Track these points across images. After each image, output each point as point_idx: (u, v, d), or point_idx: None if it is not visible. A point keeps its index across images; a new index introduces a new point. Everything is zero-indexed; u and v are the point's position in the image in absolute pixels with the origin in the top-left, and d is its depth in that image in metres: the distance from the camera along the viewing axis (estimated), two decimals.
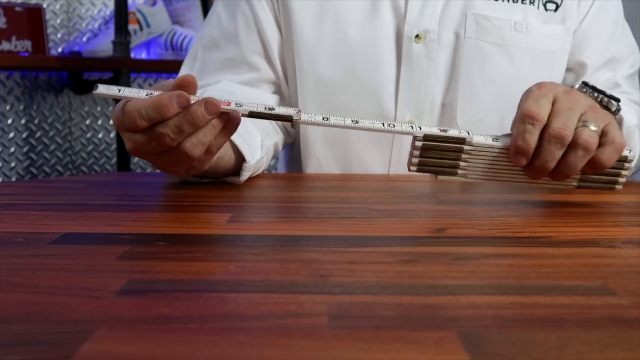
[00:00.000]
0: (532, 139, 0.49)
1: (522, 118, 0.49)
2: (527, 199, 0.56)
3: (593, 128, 0.49)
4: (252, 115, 0.48)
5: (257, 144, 0.65)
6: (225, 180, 0.63)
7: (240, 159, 0.61)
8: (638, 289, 0.31)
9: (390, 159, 0.76)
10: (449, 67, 0.74)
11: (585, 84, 0.57)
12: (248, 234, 0.41)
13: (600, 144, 0.50)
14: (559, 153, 0.49)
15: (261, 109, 0.48)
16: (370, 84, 0.74)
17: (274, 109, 0.48)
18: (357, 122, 0.49)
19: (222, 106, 0.46)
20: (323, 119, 0.49)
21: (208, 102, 0.46)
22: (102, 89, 0.47)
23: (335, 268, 0.33)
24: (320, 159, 0.78)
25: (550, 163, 0.49)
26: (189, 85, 0.47)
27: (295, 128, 0.81)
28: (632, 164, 0.61)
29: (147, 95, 0.47)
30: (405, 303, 0.28)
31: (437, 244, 0.39)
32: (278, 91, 0.79)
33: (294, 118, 0.48)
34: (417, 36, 0.72)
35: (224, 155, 0.58)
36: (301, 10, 0.74)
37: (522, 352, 0.23)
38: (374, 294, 0.29)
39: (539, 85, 0.51)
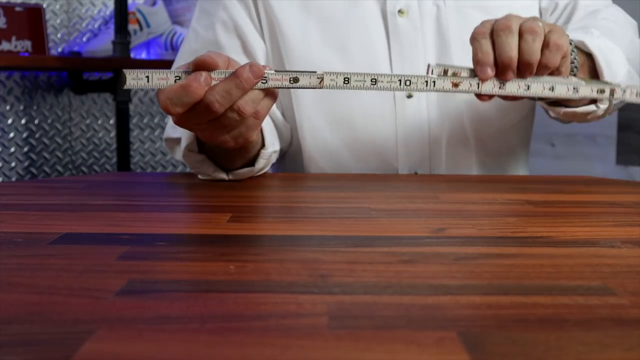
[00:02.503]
0: (486, 44, 0.54)
1: (470, 40, 0.56)
2: (527, 198, 0.56)
3: (535, 21, 0.55)
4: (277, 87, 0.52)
5: (275, 134, 0.70)
6: (237, 176, 0.64)
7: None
8: (638, 289, 0.31)
9: (396, 127, 0.77)
10: (437, 35, 0.77)
11: None
12: (248, 234, 0.41)
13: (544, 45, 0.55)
14: (512, 40, 0.53)
15: (286, 84, 0.51)
16: (364, 61, 0.75)
17: (298, 80, 0.52)
18: (375, 82, 0.52)
19: (265, 70, 0.50)
20: (344, 80, 0.52)
21: (253, 65, 0.49)
22: (131, 81, 0.49)
23: (335, 268, 0.33)
24: (327, 141, 0.78)
25: (510, 52, 0.53)
26: (207, 65, 0.49)
27: (293, 132, 0.80)
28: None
29: (175, 78, 0.49)
30: (405, 303, 0.28)
31: (437, 244, 0.39)
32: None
33: (318, 85, 0.52)
34: (399, 11, 0.76)
35: (258, 139, 0.62)
36: (283, 7, 0.76)
37: (522, 352, 0.23)
38: (374, 294, 0.29)
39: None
